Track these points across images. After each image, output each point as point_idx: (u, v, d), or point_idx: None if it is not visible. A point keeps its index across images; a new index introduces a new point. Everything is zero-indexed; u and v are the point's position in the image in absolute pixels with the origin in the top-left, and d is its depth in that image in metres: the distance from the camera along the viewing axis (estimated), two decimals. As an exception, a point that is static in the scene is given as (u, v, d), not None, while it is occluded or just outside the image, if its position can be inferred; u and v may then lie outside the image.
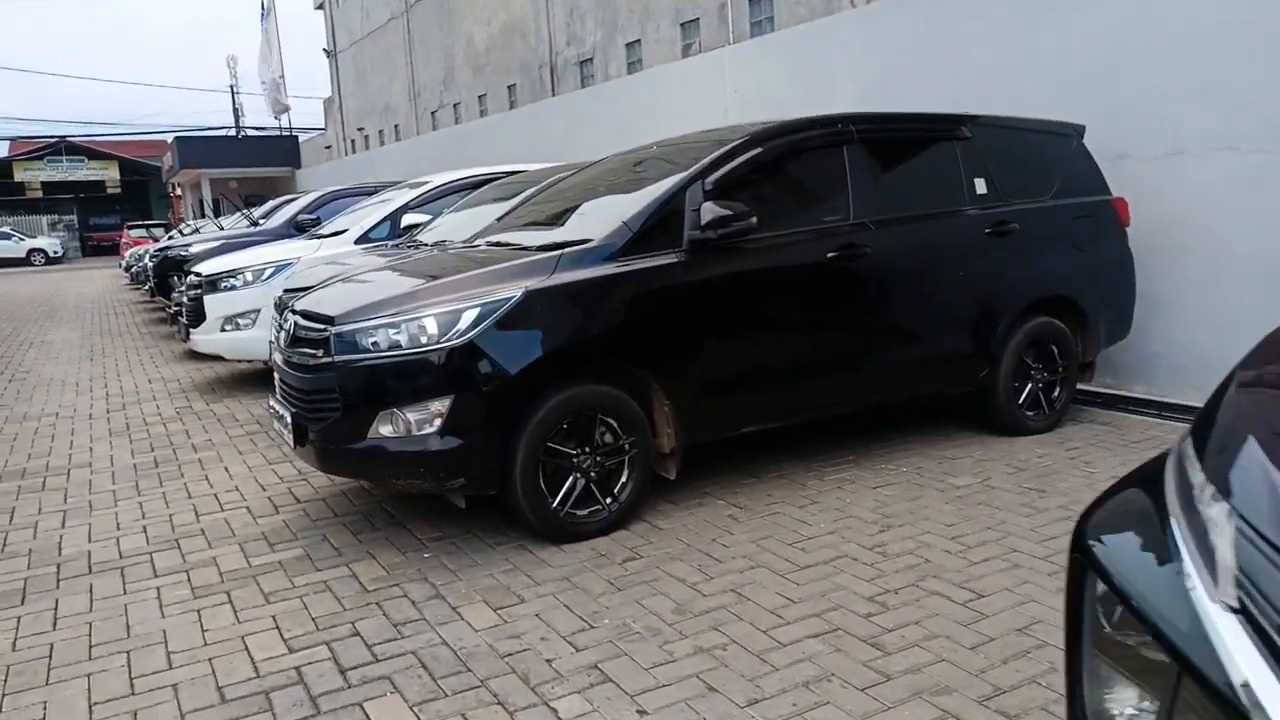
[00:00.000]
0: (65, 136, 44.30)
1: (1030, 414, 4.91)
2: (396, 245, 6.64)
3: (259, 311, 6.94)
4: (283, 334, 4.01)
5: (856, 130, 4.41)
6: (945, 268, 4.55)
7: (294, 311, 4.05)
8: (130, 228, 30.08)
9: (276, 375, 4.14)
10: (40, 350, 10.53)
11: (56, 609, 3.33)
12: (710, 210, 3.80)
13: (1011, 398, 4.83)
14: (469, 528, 3.92)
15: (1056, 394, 5.00)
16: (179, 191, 37.49)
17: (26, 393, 7.79)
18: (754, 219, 3.83)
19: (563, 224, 4.37)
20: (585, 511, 3.71)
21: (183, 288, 8.71)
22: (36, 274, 30.86)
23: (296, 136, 33.56)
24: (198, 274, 7.43)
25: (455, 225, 6.35)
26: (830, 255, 4.17)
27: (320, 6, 41.05)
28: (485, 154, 12.94)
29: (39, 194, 44.18)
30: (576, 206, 4.60)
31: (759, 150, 4.17)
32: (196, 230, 17.14)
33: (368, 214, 7.63)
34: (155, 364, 9.10)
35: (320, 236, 7.71)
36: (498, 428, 3.49)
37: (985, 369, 4.72)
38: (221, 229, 13.76)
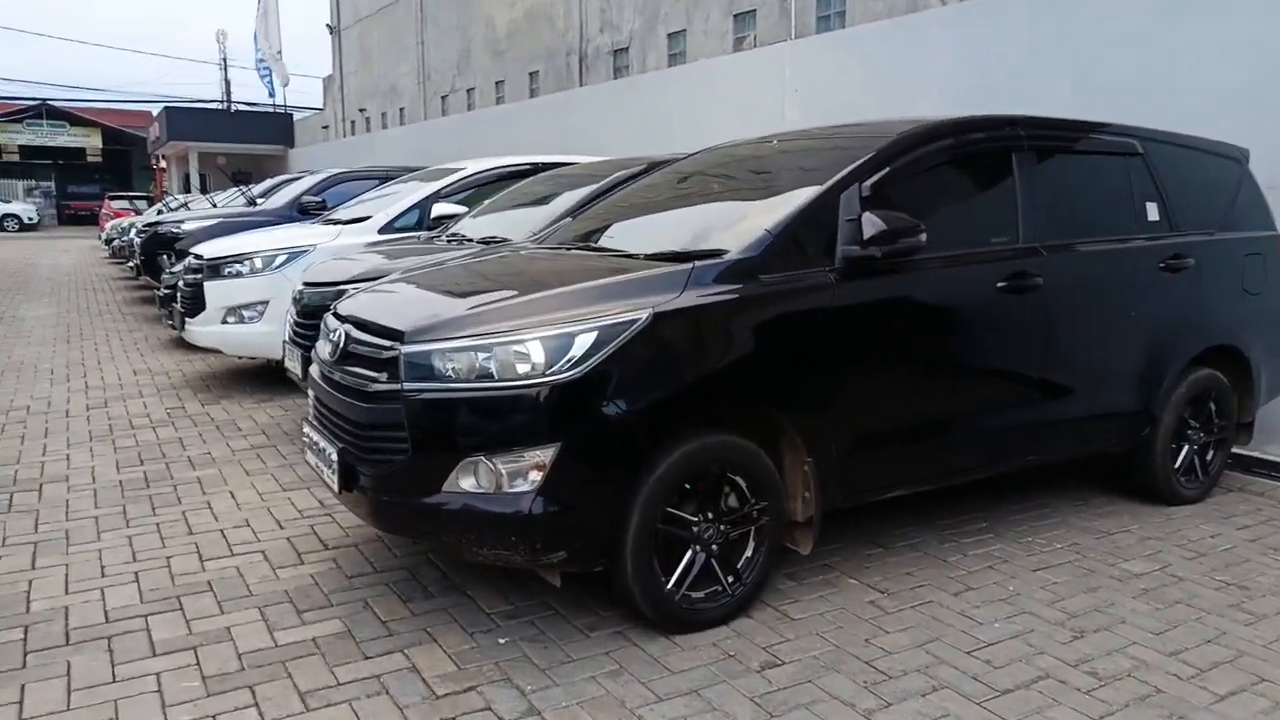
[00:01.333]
0: (46, 100, 42.76)
1: (1184, 480, 4.20)
2: (431, 239, 5.83)
3: (268, 303, 6.11)
4: (327, 346, 3.20)
5: (1026, 135, 3.67)
6: (1118, 306, 3.82)
7: (341, 318, 3.24)
8: (112, 198, 28.85)
9: (313, 394, 3.33)
10: (10, 328, 9.59)
11: (21, 703, 2.50)
12: (873, 222, 3.04)
13: (1169, 461, 4.12)
14: (543, 597, 3.14)
15: (1211, 458, 4.30)
16: (164, 164, 36.21)
17: (-7, 378, 6.90)
18: (924, 235, 3.08)
19: (670, 228, 3.60)
20: (702, 594, 2.94)
21: (176, 269, 7.84)
22: (9, 240, 29.56)
23: (291, 115, 32.42)
24: (198, 256, 6.56)
25: (505, 221, 5.56)
26: (1000, 284, 3.43)
27: (325, -21, 39.99)
28: (501, 144, 12.11)
29: (15, 158, 42.65)
30: (682, 208, 3.84)
31: (919, 152, 3.41)
32: (185, 205, 16.20)
33: (393, 201, 6.80)
34: (140, 351, 8.21)
35: (337, 221, 6.86)
36: (612, 486, 2.72)
37: (1147, 427, 4.00)
38: (214, 206, 12.86)
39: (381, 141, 21.23)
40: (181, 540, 3.70)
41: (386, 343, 2.86)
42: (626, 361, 2.71)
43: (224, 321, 6.28)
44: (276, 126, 30.92)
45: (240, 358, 6.97)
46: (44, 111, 42.16)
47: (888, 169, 3.29)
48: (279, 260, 6.22)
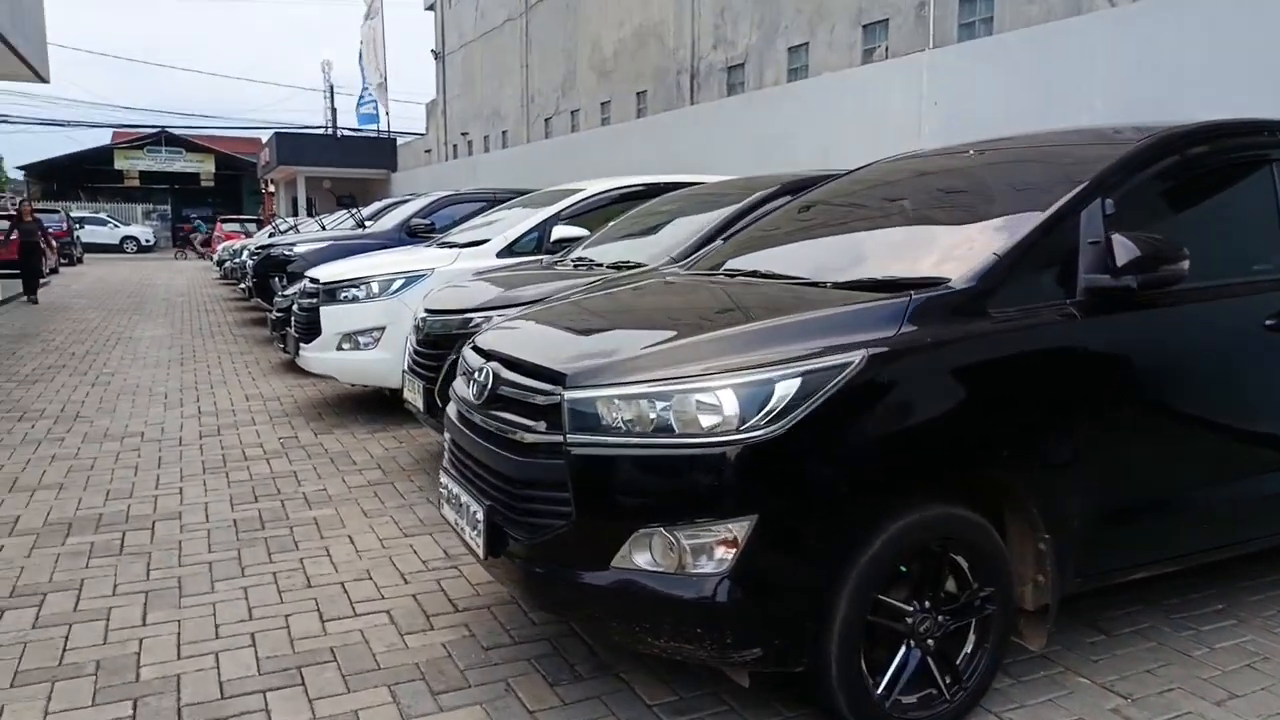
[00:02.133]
0: (165, 128, 44.81)
1: None
2: (554, 263, 5.46)
3: (384, 329, 5.83)
4: (472, 386, 2.80)
5: (1289, 144, 3.06)
6: (1401, 349, 3.15)
7: (484, 353, 2.84)
8: (223, 221, 29.79)
9: (451, 439, 2.94)
10: (126, 348, 9.66)
11: (128, 808, 2.15)
12: (1127, 247, 2.49)
13: None
14: (712, 687, 2.66)
15: None
16: (272, 188, 37.43)
17: (110, 401, 6.81)
18: (1187, 262, 2.51)
19: (857, 253, 3.11)
20: (915, 698, 2.41)
21: (288, 292, 7.70)
22: (128, 261, 30.88)
23: (395, 139, 33.09)
24: (314, 280, 6.35)
25: (632, 245, 5.15)
26: (1269, 322, 2.83)
27: (431, 7, 40.78)
28: (605, 165, 11.80)
29: (136, 183, 44.70)
30: (864, 229, 3.35)
31: (1164, 164, 2.84)
32: (294, 228, 16.43)
33: (512, 223, 6.48)
34: (252, 375, 8.10)
35: (454, 245, 6.58)
36: (817, 569, 2.22)
37: None
38: (324, 229, 12.91)
39: (483, 164, 21.30)
40: (300, 594, 3.35)
41: (545, 386, 2.44)
42: (836, 415, 2.22)
43: (339, 348, 6.03)
44: (380, 151, 31.59)
45: (353, 385, 6.73)
46: (163, 139, 44.14)
47: (1130, 183, 2.74)
48: (396, 285, 5.95)
